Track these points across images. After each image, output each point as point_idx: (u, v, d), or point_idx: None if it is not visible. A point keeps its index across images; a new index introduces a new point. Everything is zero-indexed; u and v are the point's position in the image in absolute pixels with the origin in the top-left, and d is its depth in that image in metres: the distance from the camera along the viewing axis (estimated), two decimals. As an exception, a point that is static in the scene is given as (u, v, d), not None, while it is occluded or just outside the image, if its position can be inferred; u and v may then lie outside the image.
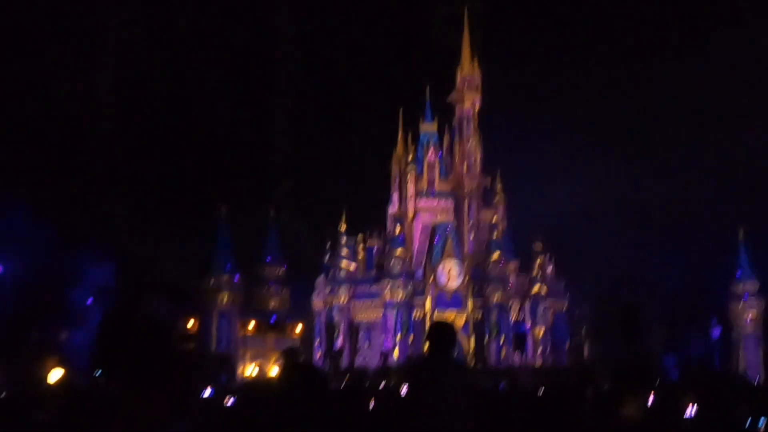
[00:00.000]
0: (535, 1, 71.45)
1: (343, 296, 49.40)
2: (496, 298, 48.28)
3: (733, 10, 67.66)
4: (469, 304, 48.27)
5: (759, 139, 58.78)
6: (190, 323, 45.47)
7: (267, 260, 53.45)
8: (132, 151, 59.84)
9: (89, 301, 40.94)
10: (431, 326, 5.98)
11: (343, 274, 49.84)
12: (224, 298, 46.21)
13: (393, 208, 51.77)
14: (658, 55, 70.11)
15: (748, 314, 51.77)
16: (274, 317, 48.74)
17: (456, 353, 6.01)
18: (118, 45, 57.06)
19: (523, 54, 65.23)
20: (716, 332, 51.38)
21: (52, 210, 45.40)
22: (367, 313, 49.14)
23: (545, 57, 69.34)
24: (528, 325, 49.02)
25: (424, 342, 6.31)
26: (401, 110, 53.72)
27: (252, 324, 48.93)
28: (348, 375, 40.65)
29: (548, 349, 49.93)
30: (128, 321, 3.50)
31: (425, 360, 5.87)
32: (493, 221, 50.74)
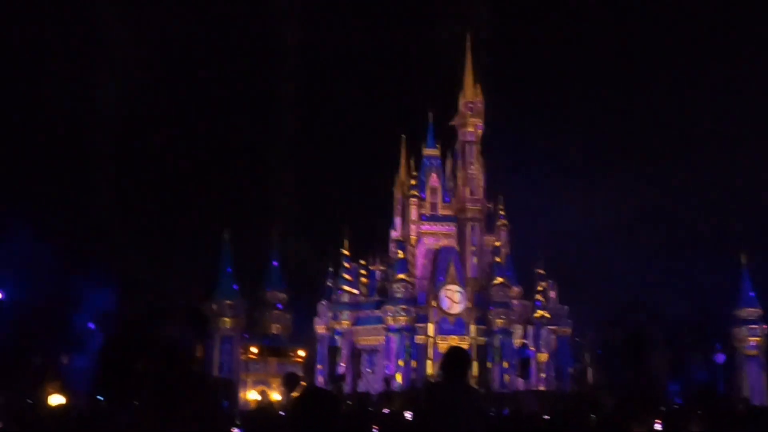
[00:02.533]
0: (537, 27, 71.94)
1: (345, 321, 49.24)
2: (499, 323, 48.07)
3: (739, 35, 68.08)
4: (472, 329, 48.05)
5: (762, 165, 58.86)
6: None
7: (269, 284, 53.33)
8: (135, 175, 60.01)
9: (91, 325, 40.82)
10: (447, 351, 5.95)
11: (345, 298, 49.71)
12: (227, 322, 46.06)
13: (396, 233, 51.72)
14: (660, 80, 70.41)
15: (750, 339, 51.55)
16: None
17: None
18: (124, 69, 57.40)
19: (525, 79, 65.58)
20: (720, 358, 51.07)
21: (54, 234, 45.41)
22: (369, 338, 48.94)
23: (547, 82, 69.71)
24: (531, 350, 48.77)
25: (440, 367, 6.26)
26: (404, 135, 53.91)
27: (254, 349, 48.70)
28: (351, 400, 40.40)
29: (552, 374, 49.68)
30: (137, 345, 3.47)
31: (441, 384, 5.82)
32: (496, 246, 50.72)
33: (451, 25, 55.68)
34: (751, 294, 52.48)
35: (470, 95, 52.83)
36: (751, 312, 52.01)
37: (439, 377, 6.16)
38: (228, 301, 46.39)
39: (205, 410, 3.16)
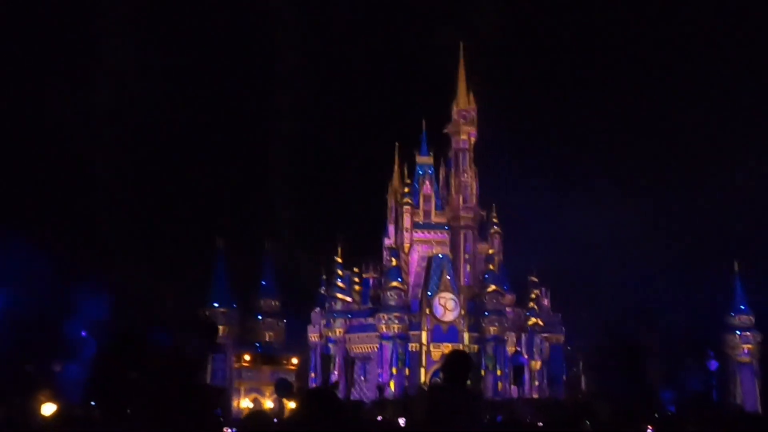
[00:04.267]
0: (531, 35, 72.21)
1: (338, 329, 49.20)
2: (492, 331, 48.11)
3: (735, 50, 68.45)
4: (466, 336, 48.08)
5: (755, 175, 59.11)
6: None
7: (262, 292, 53.27)
8: (128, 183, 59.91)
9: (84, 333, 40.69)
10: (448, 354, 5.93)
11: (338, 306, 49.69)
12: (220, 330, 45.98)
13: (389, 241, 51.77)
14: (656, 91, 70.69)
15: (743, 347, 51.76)
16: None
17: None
18: (118, 79, 57.37)
19: (518, 87, 65.74)
20: (713, 365, 51.25)
21: (48, 242, 45.31)
22: (362, 346, 48.92)
23: (541, 90, 69.90)
24: (525, 357, 48.80)
25: (441, 370, 6.25)
26: (397, 143, 54.02)
27: (247, 357, 48.64)
28: (344, 408, 40.33)
29: (545, 382, 49.72)
30: (130, 354, 3.51)
31: (443, 387, 5.81)
32: (489, 253, 50.80)
33: (445, 33, 55.90)
34: (744, 302, 52.73)
35: (463, 103, 52.99)
36: (743, 319, 52.27)
37: (440, 380, 6.15)
38: (221, 309, 46.38)
39: (199, 420, 3.19)
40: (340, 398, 3.86)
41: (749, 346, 51.87)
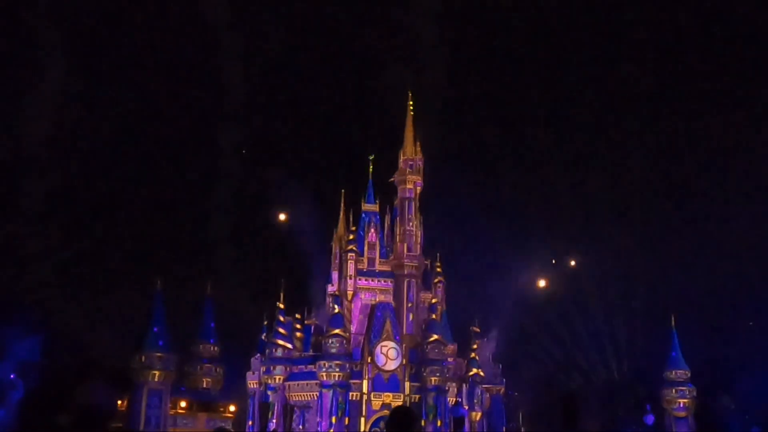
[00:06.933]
0: (477, 84, 73.57)
1: (278, 376, 48.33)
2: (433, 381, 47.82)
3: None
4: (407, 386, 47.70)
5: (692, 230, 60.66)
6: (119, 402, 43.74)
7: (201, 337, 52.19)
8: (63, 222, 58.53)
9: (12, 376, 39.21)
10: (393, 411, 5.81)
11: (279, 352, 48.87)
12: (155, 375, 44.74)
13: (332, 287, 51.40)
14: (592, 143, 72.38)
15: (679, 401, 52.41)
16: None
17: None
18: (54, 111, 56.36)
19: (465, 138, 66.66)
20: (650, 419, 51.76)
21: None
22: (302, 394, 48.11)
23: (486, 143, 70.99)
24: (465, 408, 48.59)
25: (386, 425, 6.10)
26: (343, 190, 54.10)
27: (183, 403, 47.38)
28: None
29: (485, 433, 49.54)
30: (59, 399, 3.30)
31: None
32: (432, 303, 50.80)
33: (393, 82, 56.61)
34: (680, 356, 53.56)
35: (410, 152, 53.48)
36: (679, 374, 52.99)
37: None
38: (158, 354, 45.16)
39: None
40: None
41: (685, 400, 52.49)
